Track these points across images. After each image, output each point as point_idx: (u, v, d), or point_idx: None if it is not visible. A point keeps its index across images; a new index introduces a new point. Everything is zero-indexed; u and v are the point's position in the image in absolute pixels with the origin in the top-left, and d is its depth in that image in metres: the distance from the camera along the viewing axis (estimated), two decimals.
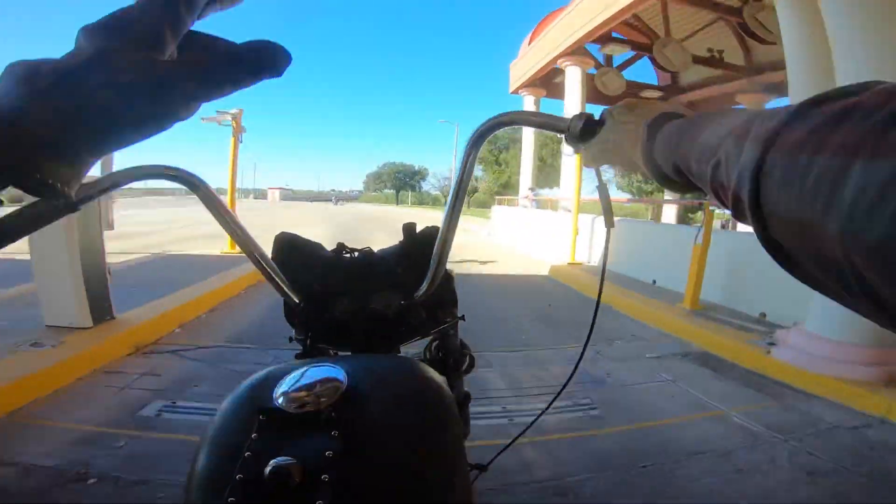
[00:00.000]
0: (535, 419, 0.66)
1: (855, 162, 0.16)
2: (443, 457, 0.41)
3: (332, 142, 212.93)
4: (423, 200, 71.14)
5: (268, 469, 0.34)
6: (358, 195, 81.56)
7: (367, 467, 0.37)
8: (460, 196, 0.56)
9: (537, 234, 8.28)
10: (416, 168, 68.47)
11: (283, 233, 0.67)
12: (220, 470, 0.37)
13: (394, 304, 0.61)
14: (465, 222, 15.82)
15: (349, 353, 0.63)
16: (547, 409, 0.67)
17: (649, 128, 0.37)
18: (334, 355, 0.63)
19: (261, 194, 73.71)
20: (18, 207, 0.36)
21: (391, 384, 0.46)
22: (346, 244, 0.67)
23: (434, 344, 0.71)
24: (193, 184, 0.54)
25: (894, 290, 0.15)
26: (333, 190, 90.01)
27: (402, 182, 67.83)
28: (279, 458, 0.34)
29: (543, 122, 0.50)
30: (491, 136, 0.53)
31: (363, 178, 73.19)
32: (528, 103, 11.09)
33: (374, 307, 0.61)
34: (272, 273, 0.59)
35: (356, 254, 0.66)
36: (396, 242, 0.68)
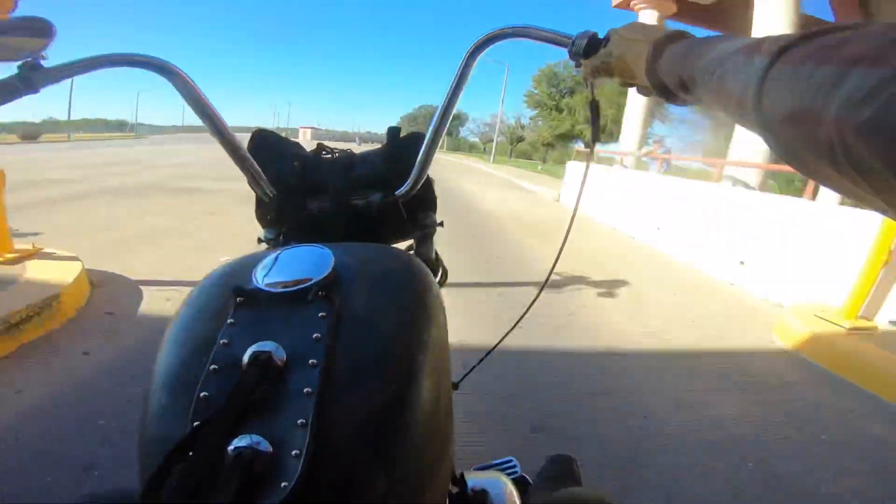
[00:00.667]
0: (503, 337, 0.68)
1: (857, 68, 0.19)
2: (432, 349, 0.37)
3: (369, 81, 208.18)
4: (458, 147, 64.26)
5: (246, 356, 0.30)
6: None
7: (356, 353, 0.33)
8: (449, 107, 0.58)
9: (711, 225, 4.33)
10: (455, 112, 62.44)
11: (259, 129, 0.63)
12: (190, 363, 0.32)
13: (374, 200, 0.58)
14: (518, 179, 12.68)
15: None
16: (513, 327, 0.69)
17: (656, 46, 0.40)
18: None
19: (293, 133, 71.90)
20: None
21: (382, 269, 0.42)
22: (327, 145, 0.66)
23: (409, 251, 0.64)
24: (166, 69, 0.52)
25: (880, 161, 0.18)
26: (364, 132, 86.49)
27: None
28: (259, 344, 0.31)
29: (547, 37, 0.51)
30: (490, 48, 0.55)
31: (398, 121, 69.04)
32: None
33: (354, 202, 0.58)
34: (246, 165, 0.56)
35: (336, 154, 0.63)
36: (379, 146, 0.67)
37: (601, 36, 0.48)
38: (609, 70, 0.47)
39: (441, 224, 0.65)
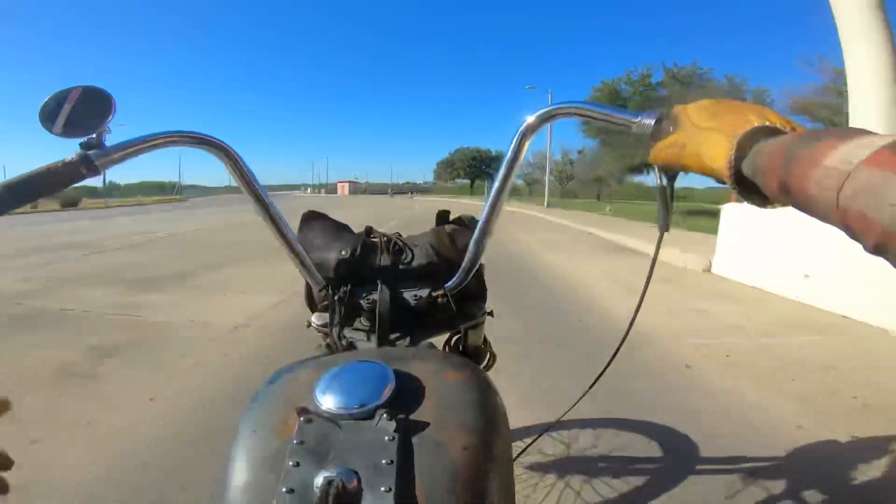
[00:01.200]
0: (570, 407, 0.65)
1: None
2: (501, 463, 0.38)
3: (404, 129, 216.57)
4: None
5: (318, 480, 0.31)
6: (431, 186, 75.81)
7: (428, 476, 0.33)
8: (505, 188, 0.54)
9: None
10: (493, 153, 57.55)
11: (310, 211, 0.65)
12: (261, 482, 0.33)
13: (423, 294, 0.56)
14: (603, 230, 8.63)
15: (373, 346, 0.56)
16: (582, 396, 0.63)
17: (741, 144, 0.34)
18: (349, 346, 0.57)
19: (332, 188, 72.57)
20: (46, 166, 0.46)
21: (445, 383, 0.41)
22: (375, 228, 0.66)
23: (456, 336, 0.65)
24: (220, 148, 0.53)
25: None
26: (403, 183, 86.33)
27: (477, 169, 58.76)
28: (331, 469, 0.32)
29: (606, 118, 0.48)
30: (544, 126, 0.53)
31: (434, 167, 66.40)
32: None
33: (403, 297, 0.56)
34: (298, 253, 0.57)
35: (385, 238, 0.61)
36: (428, 230, 0.65)
37: (666, 115, 0.43)
38: (678, 159, 0.40)
39: (491, 314, 0.63)
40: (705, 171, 0.38)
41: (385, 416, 0.34)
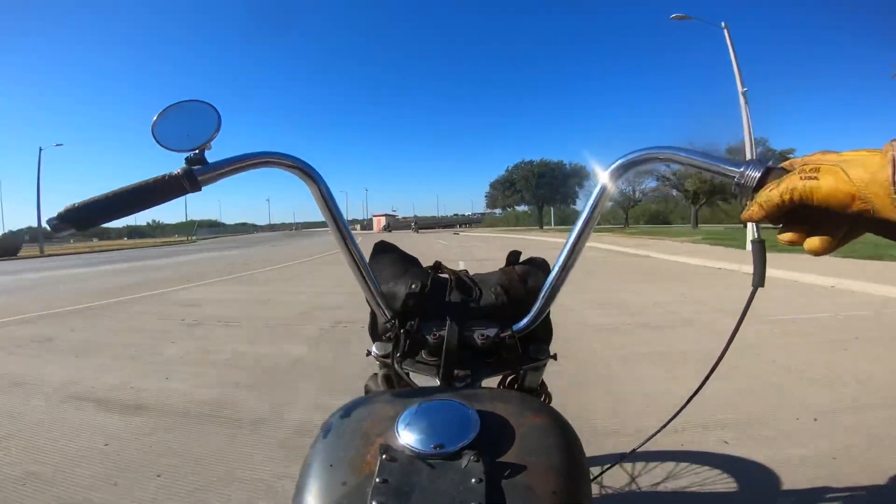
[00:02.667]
0: (647, 438, 0.62)
1: None
2: (582, 501, 0.38)
3: (451, 156, 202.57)
4: (568, 219, 45.80)
5: None
6: (480, 219, 65.76)
7: None
8: (586, 232, 0.53)
9: None
10: (568, 167, 39.07)
11: (382, 242, 0.66)
12: None
13: (490, 334, 0.55)
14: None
15: (434, 382, 0.55)
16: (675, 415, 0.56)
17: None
18: (409, 378, 0.58)
19: (368, 224, 65.93)
20: (153, 178, 0.47)
21: (528, 427, 0.41)
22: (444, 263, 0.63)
23: (513, 375, 0.63)
24: (310, 175, 0.54)
25: None
26: (452, 215, 77.39)
27: (548, 191, 39.41)
28: None
29: (709, 166, 0.44)
30: (631, 171, 0.49)
31: (487, 189, 46.28)
32: None
33: (469, 335, 0.55)
34: (370, 283, 0.57)
35: (454, 275, 0.61)
36: (497, 269, 0.63)
37: (777, 165, 0.40)
38: (809, 188, 0.35)
39: (554, 357, 0.61)
40: (845, 191, 0.33)
41: (472, 457, 0.35)
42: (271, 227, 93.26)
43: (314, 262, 11.10)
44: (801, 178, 0.35)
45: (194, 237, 38.44)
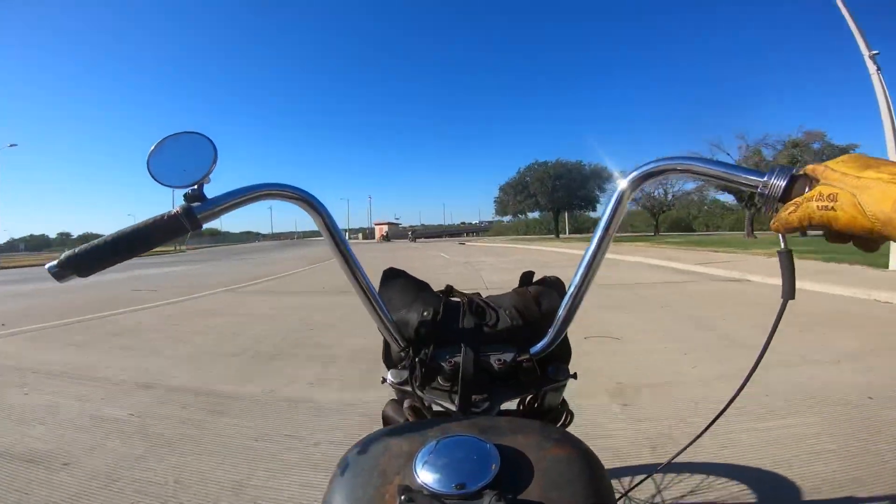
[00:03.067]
0: (677, 453, 0.60)
1: None
2: None
3: (460, 166, 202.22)
4: (583, 226, 41.18)
5: None
6: (488, 227, 62.65)
7: None
8: (604, 244, 0.51)
9: None
10: (587, 168, 33.84)
11: (391, 268, 0.65)
12: None
13: (507, 358, 0.54)
14: None
15: (452, 407, 0.54)
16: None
17: None
18: (428, 406, 0.57)
19: (371, 233, 63.09)
20: (151, 219, 0.46)
21: (550, 459, 0.39)
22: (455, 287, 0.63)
23: (532, 396, 0.61)
24: (312, 205, 0.54)
25: None
26: (458, 223, 73.83)
27: (565, 195, 34.09)
28: None
29: (731, 176, 0.43)
30: (649, 182, 0.47)
31: (497, 193, 39.09)
32: None
33: (485, 360, 0.54)
34: (381, 313, 0.56)
35: (467, 299, 0.60)
36: (510, 290, 0.62)
37: (803, 173, 0.39)
38: (827, 215, 0.35)
39: (574, 376, 0.59)
40: (862, 224, 0.33)
41: (493, 497, 0.34)
42: (275, 237, 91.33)
43: (261, 294, 7.33)
44: (818, 207, 0.35)
45: (183, 247, 35.71)
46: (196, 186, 0.49)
